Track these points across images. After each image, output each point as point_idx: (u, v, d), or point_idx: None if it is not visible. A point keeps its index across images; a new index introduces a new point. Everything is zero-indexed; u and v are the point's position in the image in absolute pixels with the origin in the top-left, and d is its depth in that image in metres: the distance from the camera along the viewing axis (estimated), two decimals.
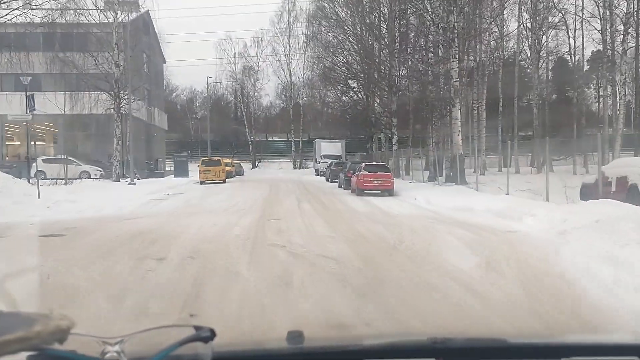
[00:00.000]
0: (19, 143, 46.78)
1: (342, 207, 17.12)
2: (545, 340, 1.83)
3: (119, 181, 28.53)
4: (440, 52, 24.81)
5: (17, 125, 45.24)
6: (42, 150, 43.36)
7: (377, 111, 37.43)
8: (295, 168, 54.17)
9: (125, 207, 17.81)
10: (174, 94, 77.68)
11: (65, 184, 24.22)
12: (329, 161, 37.52)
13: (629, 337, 2.22)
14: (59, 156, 31.89)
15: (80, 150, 40.84)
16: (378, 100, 37.53)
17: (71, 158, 32.66)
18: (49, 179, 27.92)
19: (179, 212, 15.60)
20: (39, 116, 36.09)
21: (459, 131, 22.50)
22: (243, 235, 9.95)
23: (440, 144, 24.82)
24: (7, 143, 45.43)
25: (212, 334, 1.17)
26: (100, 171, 32.88)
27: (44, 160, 33.12)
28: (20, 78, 18.65)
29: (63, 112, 27.04)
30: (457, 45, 22.46)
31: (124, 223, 12.74)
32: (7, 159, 43.16)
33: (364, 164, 23.86)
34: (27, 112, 17.23)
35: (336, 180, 31.30)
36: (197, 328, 1.19)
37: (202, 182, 31.96)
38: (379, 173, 21.75)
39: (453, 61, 22.32)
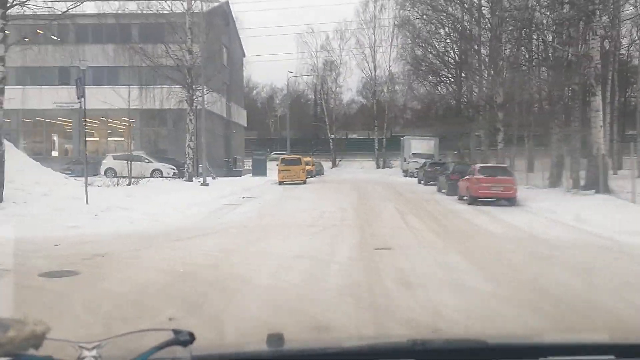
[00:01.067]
0: (97, 138, 45.25)
1: (463, 224, 12.73)
2: (523, 341, 1.81)
3: (191, 181, 25.31)
4: (568, 31, 19.79)
5: (96, 120, 43.69)
6: (120, 147, 41.52)
7: (477, 104, 32.55)
8: (378, 167, 49.80)
9: (190, 216, 14.25)
10: (254, 92, 75.40)
11: (128, 184, 21.08)
12: (422, 161, 32.94)
13: (605, 337, 2.01)
14: (134, 153, 29.26)
15: (156, 147, 38.46)
16: (477, 92, 32.66)
17: (141, 154, 29.90)
18: (119, 177, 25.12)
19: (251, 228, 11.74)
20: (115, 110, 34.06)
21: (601, 126, 17.49)
22: (348, 288, 5.84)
23: (569, 141, 19.77)
24: (86, 139, 43.91)
25: (191, 338, 1.12)
26: (174, 169, 29.92)
27: (115, 157, 30.57)
28: (78, 63, 15.65)
29: (127, 106, 23.97)
30: (598, 17, 17.51)
31: (175, 248, 9.00)
32: (87, 154, 41.70)
33: (478, 165, 19.32)
34: (77, 99, 13.90)
35: (432, 182, 26.90)
36: (176, 332, 1.14)
37: (280, 183, 28.54)
38: (498, 177, 17.16)
39: (593, 39, 17.40)
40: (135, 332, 1.22)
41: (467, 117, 34.26)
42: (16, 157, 16.51)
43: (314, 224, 12.21)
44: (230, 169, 38.74)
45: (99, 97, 25.90)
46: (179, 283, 6.26)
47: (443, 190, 22.60)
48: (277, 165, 30.40)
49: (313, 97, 69.05)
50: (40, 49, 33.11)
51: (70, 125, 42.50)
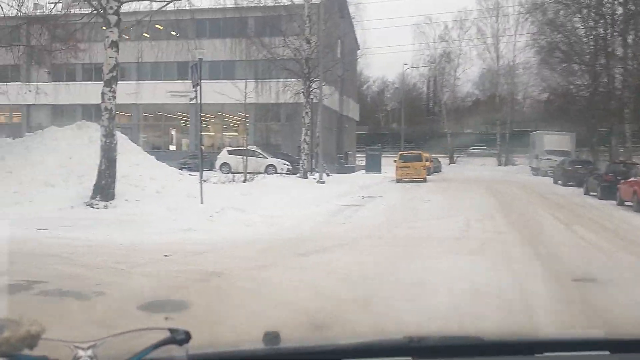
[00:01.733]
0: (213, 133, 45.32)
1: None
2: (519, 337, 1.79)
3: (306, 177, 23.75)
4: None
5: (211, 115, 43.71)
6: (235, 141, 41.19)
7: (621, 96, 28.51)
8: (499, 165, 46.07)
9: (309, 219, 12.50)
10: (365, 86, 73.49)
11: (244, 180, 19.80)
12: (557, 158, 29.36)
13: (600, 333, 1.99)
14: (246, 148, 28.32)
15: (268, 142, 37.59)
16: (621, 82, 28.62)
17: (256, 149, 28.85)
18: (234, 172, 24.12)
19: (387, 240, 9.68)
20: (230, 105, 33.49)
21: None
22: None
23: None
24: (201, 133, 44.11)
25: (187, 337, 1.13)
26: (287, 165, 28.62)
27: (230, 152, 29.79)
28: (194, 52, 14.48)
29: (244, 99, 22.79)
30: None
31: (303, 267, 7.16)
32: (202, 149, 41.84)
33: None
34: (192, 87, 12.60)
35: (572, 183, 23.60)
36: (172, 331, 1.14)
37: (398, 181, 26.34)
38: None
39: None
40: (131, 331, 1.17)
41: (608, 110, 30.15)
42: (131, 151, 15.64)
43: (464, 236, 9.96)
44: (342, 165, 37.10)
45: (215, 91, 25.17)
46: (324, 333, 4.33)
47: (592, 193, 19.40)
48: (395, 161, 28.25)
49: (425, 90, 66.16)
50: (160, 44, 33.19)
51: (187, 119, 42.84)
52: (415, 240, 9.42)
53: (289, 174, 27.07)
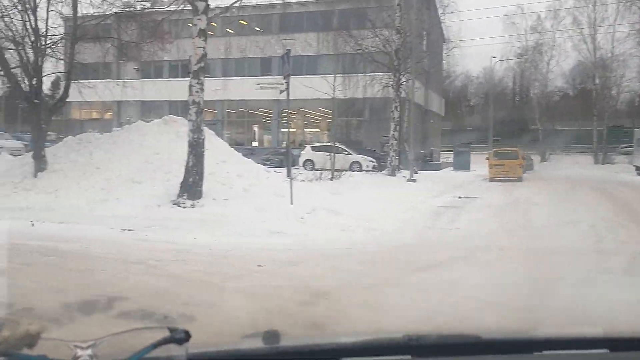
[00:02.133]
0: (295, 129, 44.73)
1: None
2: (517, 336, 1.76)
3: (394, 175, 22.40)
4: None
5: (293, 112, 43.10)
6: (317, 138, 40.38)
7: None
8: (596, 163, 42.62)
9: (409, 223, 11.28)
10: (447, 81, 70.84)
11: (330, 178, 18.72)
12: None
13: (599, 331, 1.80)
14: (329, 143, 27.31)
15: (350, 138, 36.42)
16: None
17: (341, 146, 27.74)
18: (317, 169, 23.16)
19: (511, 253, 8.20)
20: (312, 101, 32.66)
21: None
22: None
23: None
24: (283, 129, 43.61)
25: (187, 336, 1.12)
26: (373, 162, 27.35)
27: (313, 148, 28.86)
28: (283, 42, 13.54)
29: (332, 95, 21.70)
30: None
31: (429, 289, 5.84)
32: (283, 145, 41.35)
33: None
34: (283, 79, 11.63)
35: None
36: (171, 330, 1.13)
37: (491, 179, 24.63)
38: None
39: None
40: (130, 330, 1.15)
41: None
42: (218, 147, 14.88)
43: (601, 248, 8.36)
44: (427, 162, 35.41)
45: (305, 85, 24.36)
46: None
47: None
48: (487, 158, 26.43)
49: (511, 84, 62.91)
50: (244, 39, 32.78)
51: (269, 116, 42.46)
52: (546, 254, 7.91)
53: (375, 172, 25.81)
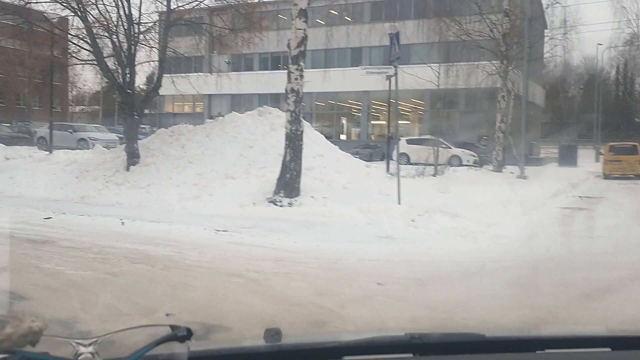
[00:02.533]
0: (384, 122, 43.21)
1: None
2: (520, 334, 1.76)
3: (500, 172, 20.46)
4: None
5: (384, 103, 41.57)
6: (407, 131, 38.66)
7: None
8: None
9: (535, 228, 9.60)
10: (544, 71, 66.54)
11: (434, 174, 17.15)
12: None
13: (601, 329, 1.88)
14: (426, 136, 25.66)
15: (443, 131, 34.44)
16: None
17: (437, 139, 25.96)
18: (413, 163, 21.65)
19: None
20: (403, 92, 31.05)
21: None
22: None
23: None
24: (372, 122, 42.19)
25: (189, 333, 1.11)
26: (474, 157, 25.43)
27: (408, 141, 27.25)
28: (389, 25, 12.20)
29: (438, 85, 20.10)
30: None
31: None
32: (372, 138, 39.97)
33: None
34: (390, 62, 10.29)
35: None
36: (173, 327, 1.13)
37: (606, 176, 22.37)
38: None
39: None
40: (132, 328, 1.13)
41: None
42: (314, 140, 13.76)
43: None
44: (526, 157, 32.80)
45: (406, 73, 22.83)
46: None
47: None
48: (602, 154, 24.00)
49: (614, 74, 58.16)
50: (333, 30, 31.61)
51: (359, 108, 41.20)
52: None
53: (476, 167, 23.91)
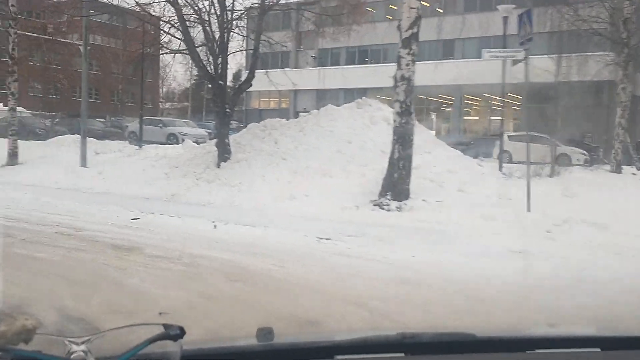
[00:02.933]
0: (477, 118, 40.92)
1: None
2: (511, 334, 1.75)
3: (620, 172, 18.08)
4: None
5: (477, 98, 39.28)
6: (502, 127, 36.23)
7: None
8: None
9: None
10: None
11: (550, 175, 15.21)
12: None
13: (591, 330, 1.90)
14: (531, 133, 23.41)
15: (548, 127, 31.82)
16: None
17: (543, 135, 23.68)
18: (516, 162, 19.66)
19: None
20: (498, 85, 28.87)
21: None
22: None
23: None
24: (465, 117, 40.01)
25: (182, 332, 1.10)
26: (585, 155, 23.00)
27: (510, 138, 25.11)
28: (504, 11, 10.53)
29: (556, 78, 18.05)
30: None
31: None
32: (465, 133, 37.89)
33: None
34: (519, 43, 8.72)
35: None
36: (166, 326, 1.11)
37: None
38: None
39: None
40: (125, 326, 1.11)
41: None
42: (419, 134, 12.29)
43: None
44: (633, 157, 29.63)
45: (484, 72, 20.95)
46: None
47: None
48: None
49: None
50: (424, 22, 29.80)
51: (450, 102, 39.20)
52: None
53: (587, 166, 21.53)
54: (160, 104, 52.78)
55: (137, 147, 16.24)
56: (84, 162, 13.90)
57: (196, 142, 18.19)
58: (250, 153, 12.15)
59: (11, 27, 14.61)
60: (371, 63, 41.19)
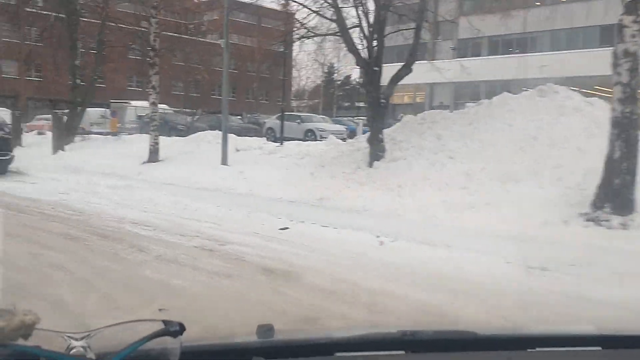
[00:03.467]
0: None
1: None
2: (512, 332, 1.70)
3: None
4: None
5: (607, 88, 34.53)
6: None
7: None
8: None
9: None
10: None
11: None
12: None
13: (592, 328, 1.76)
14: None
15: None
16: None
17: None
18: None
19: None
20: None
21: None
22: None
23: None
24: None
25: (181, 329, 1.08)
26: None
27: None
28: None
29: None
30: None
31: None
32: None
33: None
34: None
35: None
36: (166, 323, 1.08)
37: None
38: None
39: None
40: (124, 322, 1.09)
41: None
42: None
43: None
44: None
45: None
46: None
47: None
48: None
49: None
50: (575, 7, 26.26)
51: (607, 95, 34.76)
52: None
53: None
54: (292, 101, 52.71)
55: (277, 144, 15.00)
56: (224, 160, 12.84)
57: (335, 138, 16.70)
58: (408, 150, 10.27)
59: (152, 17, 13.92)
60: (516, 52, 37.76)
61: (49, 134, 19.50)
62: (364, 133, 21.54)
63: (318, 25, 12.05)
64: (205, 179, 11.75)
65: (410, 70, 10.54)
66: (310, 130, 21.17)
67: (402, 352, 1.36)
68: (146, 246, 6.15)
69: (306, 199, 9.73)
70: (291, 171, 11.36)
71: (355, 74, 65.70)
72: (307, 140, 18.66)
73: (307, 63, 47.74)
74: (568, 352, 1.44)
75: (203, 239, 6.75)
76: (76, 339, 1.05)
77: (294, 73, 52.49)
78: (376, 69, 10.30)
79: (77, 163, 15.11)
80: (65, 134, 18.52)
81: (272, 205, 9.24)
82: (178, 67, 34.35)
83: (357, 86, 71.20)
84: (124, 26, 20.41)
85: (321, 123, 22.87)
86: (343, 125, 24.25)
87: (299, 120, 21.12)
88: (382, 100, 10.42)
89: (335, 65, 52.95)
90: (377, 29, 10.14)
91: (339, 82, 58.49)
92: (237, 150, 14.02)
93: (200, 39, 35.15)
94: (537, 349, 1.43)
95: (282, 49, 22.15)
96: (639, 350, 1.45)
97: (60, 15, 19.59)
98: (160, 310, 3.98)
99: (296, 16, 12.27)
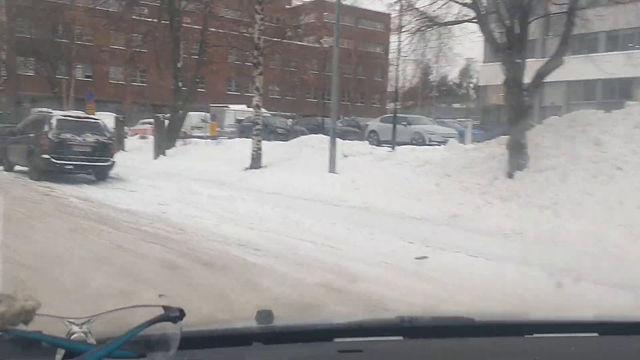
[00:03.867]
0: None
1: None
2: (509, 318, 1.73)
3: None
4: None
5: None
6: None
7: None
8: None
9: None
10: None
11: None
12: None
13: (589, 314, 1.81)
14: None
15: None
16: None
17: None
18: None
19: None
20: None
21: None
22: None
23: None
24: None
25: (181, 314, 1.06)
26: None
27: None
28: None
29: None
30: None
31: None
32: None
33: None
34: None
35: None
36: (166, 308, 1.07)
37: None
38: None
39: None
40: (125, 308, 1.08)
41: None
42: None
43: None
44: None
45: None
46: None
47: None
48: None
49: None
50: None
51: None
52: None
53: None
54: (392, 103, 51.14)
55: (389, 149, 13.46)
56: (332, 168, 11.47)
57: (444, 142, 14.96)
58: (558, 158, 8.40)
59: (257, 13, 12.84)
60: (635, 49, 34.02)
61: (151, 138, 19.14)
62: (473, 136, 19.72)
63: (440, 15, 10.44)
64: (313, 189, 10.45)
65: (561, 62, 8.67)
66: (418, 133, 19.44)
67: (401, 337, 1.34)
68: (259, 282, 4.84)
69: (435, 217, 8.13)
70: (411, 181, 9.79)
71: (453, 74, 62.82)
72: (415, 144, 17.03)
73: (404, 64, 45.89)
74: (565, 338, 1.42)
75: (325, 270, 5.37)
76: (77, 325, 1.05)
77: (391, 74, 50.91)
78: (519, 61, 8.51)
79: (178, 169, 14.38)
80: (166, 138, 18.05)
81: (395, 224, 7.74)
82: (277, 70, 33.76)
83: (454, 87, 68.19)
84: (225, 31, 19.83)
85: (429, 125, 21.06)
86: (449, 127, 22.31)
87: (405, 123, 19.43)
88: (526, 98, 8.61)
89: (431, 65, 50.77)
90: (522, 13, 8.36)
91: (434, 83, 56.27)
92: (345, 156, 12.65)
93: (298, 43, 34.42)
94: (535, 335, 1.41)
95: (378, 50, 20.62)
96: (636, 337, 1.42)
97: (163, 21, 19.24)
98: (160, 296, 3.99)
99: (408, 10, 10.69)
